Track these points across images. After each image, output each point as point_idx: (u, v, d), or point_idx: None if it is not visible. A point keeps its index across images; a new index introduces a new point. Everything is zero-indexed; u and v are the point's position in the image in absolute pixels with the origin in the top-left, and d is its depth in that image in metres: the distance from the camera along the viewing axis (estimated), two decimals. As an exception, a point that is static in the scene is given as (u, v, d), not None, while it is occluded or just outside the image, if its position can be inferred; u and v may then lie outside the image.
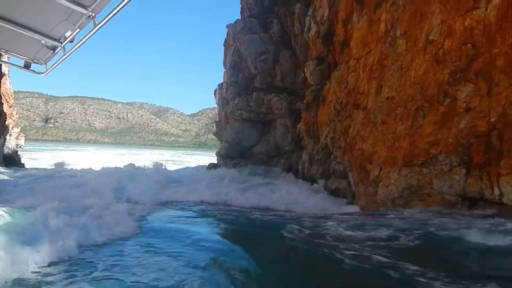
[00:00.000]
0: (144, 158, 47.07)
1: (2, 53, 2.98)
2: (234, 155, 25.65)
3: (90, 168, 24.45)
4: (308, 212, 13.21)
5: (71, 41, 2.73)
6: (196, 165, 35.57)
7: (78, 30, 2.61)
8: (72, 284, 5.79)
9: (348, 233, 8.65)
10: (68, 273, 6.22)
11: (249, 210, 13.67)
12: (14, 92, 35.05)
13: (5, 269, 5.80)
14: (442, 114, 9.67)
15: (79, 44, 2.60)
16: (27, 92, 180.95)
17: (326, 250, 7.51)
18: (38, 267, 6.31)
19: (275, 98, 23.16)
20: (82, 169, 24.28)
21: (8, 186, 17.08)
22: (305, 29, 20.87)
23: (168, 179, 20.95)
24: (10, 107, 30.96)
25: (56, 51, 2.87)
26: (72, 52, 2.72)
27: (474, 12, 8.83)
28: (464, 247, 6.87)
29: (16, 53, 2.94)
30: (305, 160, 19.78)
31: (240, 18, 30.24)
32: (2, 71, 28.82)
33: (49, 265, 6.49)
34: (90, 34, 2.49)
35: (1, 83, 28.69)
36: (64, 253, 6.99)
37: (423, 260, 6.57)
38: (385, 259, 6.63)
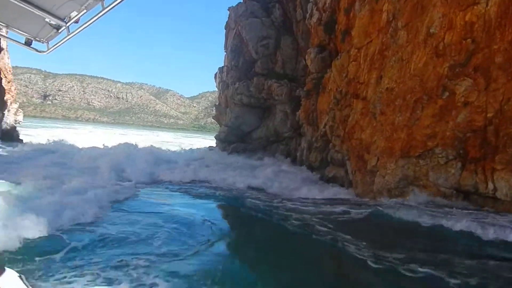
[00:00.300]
0: (146, 139, 47.18)
1: (3, 27, 2.89)
2: (233, 139, 25.80)
3: (93, 146, 24.49)
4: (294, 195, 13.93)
5: (76, 22, 2.63)
6: (196, 148, 35.72)
7: (85, 11, 2.52)
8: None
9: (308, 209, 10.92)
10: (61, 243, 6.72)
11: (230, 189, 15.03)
12: (12, 67, 34.76)
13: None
14: (440, 107, 9.81)
15: (85, 25, 2.53)
16: (26, 68, 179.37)
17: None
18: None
19: (276, 84, 23.20)
20: (83, 147, 24.40)
21: (12, 161, 17.26)
22: (307, 16, 20.74)
23: (168, 160, 21.31)
24: (9, 82, 30.77)
25: (60, 30, 2.78)
26: (76, 33, 2.63)
27: (475, 7, 8.88)
28: (400, 224, 8.45)
29: (18, 29, 2.85)
30: (304, 147, 19.95)
31: (242, 1, 29.93)
32: (1, 45, 28.54)
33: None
34: (97, 17, 2.40)
35: (0, 58, 28.49)
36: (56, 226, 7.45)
37: (357, 230, 8.29)
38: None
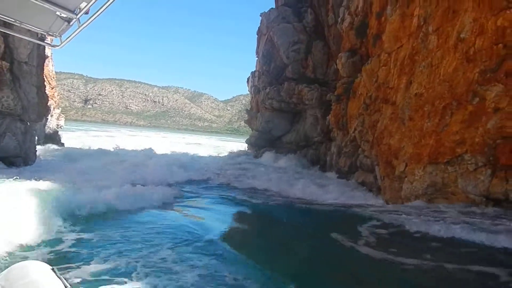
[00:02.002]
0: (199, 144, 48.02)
1: (17, 24, 2.85)
2: (263, 143, 26.07)
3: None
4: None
5: (86, 13, 2.60)
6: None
7: (94, 1, 2.50)
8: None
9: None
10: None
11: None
12: (56, 73, 36.46)
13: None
14: (470, 113, 9.62)
15: (95, 16, 2.52)
16: (68, 73, 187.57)
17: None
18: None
19: (306, 88, 23.29)
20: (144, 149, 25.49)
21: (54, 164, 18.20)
22: (339, 20, 20.74)
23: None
24: (52, 88, 32.38)
25: (71, 23, 2.75)
26: (87, 24, 2.61)
27: (507, 12, 8.67)
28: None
29: (31, 25, 2.84)
30: (334, 152, 19.91)
31: (274, 6, 30.23)
32: (45, 53, 30.13)
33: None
34: (105, 6, 2.40)
35: (44, 65, 30.08)
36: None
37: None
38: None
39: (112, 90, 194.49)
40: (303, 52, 24.99)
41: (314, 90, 22.89)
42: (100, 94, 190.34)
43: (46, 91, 21.78)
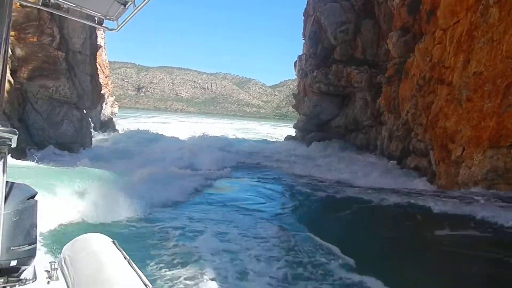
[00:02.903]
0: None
1: (77, 9, 3.08)
2: (311, 128, 25.66)
3: None
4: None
5: None
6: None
7: None
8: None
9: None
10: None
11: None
12: (110, 62, 37.97)
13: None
14: (536, 92, 8.81)
15: None
16: (121, 62, 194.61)
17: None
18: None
19: (355, 71, 22.48)
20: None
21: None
22: (390, -4, 19.72)
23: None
24: (106, 77, 33.90)
25: (127, 6, 2.70)
26: (142, 6, 2.59)
27: None
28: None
29: (89, 9, 2.83)
30: (385, 136, 19.18)
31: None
32: (98, 43, 31.42)
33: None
34: None
35: (97, 55, 31.45)
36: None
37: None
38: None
39: (163, 78, 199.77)
40: (352, 32, 24.03)
41: (363, 72, 22.03)
42: (152, 82, 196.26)
43: (99, 79, 22.79)
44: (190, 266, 5.22)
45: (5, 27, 1.66)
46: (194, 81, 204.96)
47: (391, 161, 17.64)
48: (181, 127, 39.69)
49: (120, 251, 2.12)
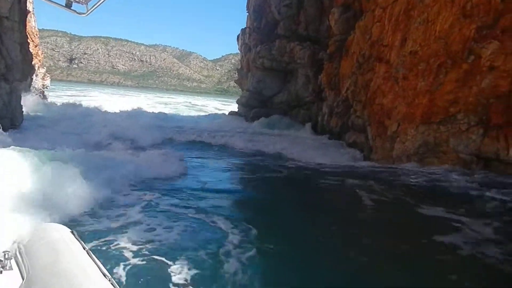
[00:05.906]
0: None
1: None
2: (254, 104, 25.72)
3: None
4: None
5: None
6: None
7: None
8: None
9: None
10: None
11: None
12: (39, 30, 34.93)
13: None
14: (464, 72, 9.50)
15: None
16: (51, 30, 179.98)
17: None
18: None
19: (298, 46, 22.72)
20: None
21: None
22: (332, -27, 19.96)
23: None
24: (36, 46, 30.89)
25: None
26: None
27: (508, -36, 8.36)
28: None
29: None
30: (325, 112, 19.76)
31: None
32: (27, 7, 28.69)
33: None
34: None
35: (26, 21, 28.75)
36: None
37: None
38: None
39: (98, 49, 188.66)
40: (295, 7, 24.06)
41: (306, 48, 22.33)
42: (85, 53, 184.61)
43: (29, 49, 20.95)
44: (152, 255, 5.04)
45: None
46: (132, 53, 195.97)
47: (329, 136, 18.25)
48: (120, 102, 37.83)
49: (79, 242, 2.10)
